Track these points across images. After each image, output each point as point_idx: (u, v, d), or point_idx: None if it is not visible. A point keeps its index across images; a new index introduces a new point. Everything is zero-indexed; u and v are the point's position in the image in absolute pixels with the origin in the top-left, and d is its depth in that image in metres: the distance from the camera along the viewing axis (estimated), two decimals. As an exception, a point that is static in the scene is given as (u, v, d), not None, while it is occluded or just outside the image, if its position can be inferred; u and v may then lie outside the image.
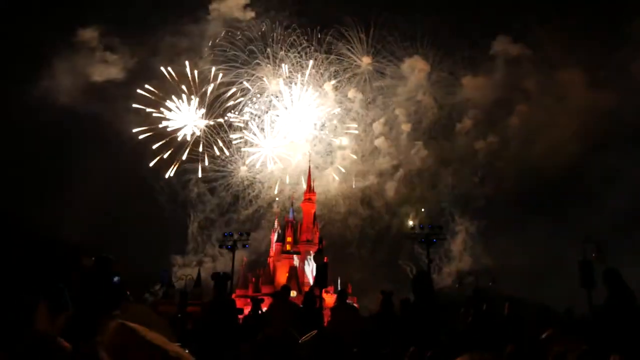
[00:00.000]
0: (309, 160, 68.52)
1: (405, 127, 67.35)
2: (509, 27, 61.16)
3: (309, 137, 68.92)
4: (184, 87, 63.26)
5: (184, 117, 64.15)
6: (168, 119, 63.03)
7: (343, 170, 68.26)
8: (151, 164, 62.55)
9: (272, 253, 68.30)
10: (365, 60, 65.99)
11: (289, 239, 68.48)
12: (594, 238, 20.13)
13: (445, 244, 61.44)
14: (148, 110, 62.19)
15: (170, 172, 64.08)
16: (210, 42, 64.46)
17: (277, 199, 70.14)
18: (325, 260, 16.85)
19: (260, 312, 11.57)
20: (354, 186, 68.47)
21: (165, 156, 63.23)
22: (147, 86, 62.42)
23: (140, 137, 61.62)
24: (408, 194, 65.97)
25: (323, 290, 16.94)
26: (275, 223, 69.66)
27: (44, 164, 56.14)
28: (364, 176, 68.47)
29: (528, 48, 61.19)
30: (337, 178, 68.78)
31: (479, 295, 10.38)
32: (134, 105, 61.66)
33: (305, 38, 65.18)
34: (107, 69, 63.61)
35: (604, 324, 6.57)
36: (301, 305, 8.85)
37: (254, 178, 68.04)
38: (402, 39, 63.83)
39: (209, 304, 8.47)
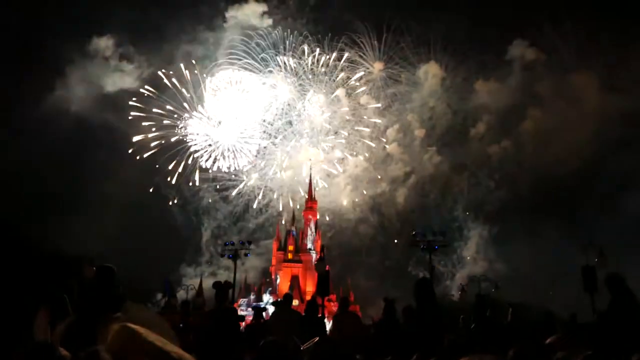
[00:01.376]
0: (310, 169, 68.52)
1: (419, 133, 67.08)
2: (522, 32, 61.22)
3: (321, 144, 68.74)
4: (192, 96, 63.30)
5: (197, 127, 64.19)
6: (176, 126, 63.10)
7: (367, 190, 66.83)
8: (151, 190, 62.52)
9: (274, 262, 68.17)
10: (377, 66, 65.96)
11: (290, 248, 68.34)
12: (597, 243, 20.07)
13: (458, 250, 61.38)
14: (149, 119, 62.34)
15: (174, 200, 64.15)
16: (226, 50, 64.46)
17: (282, 208, 69.96)
18: (327, 269, 16.79)
19: (262, 320, 11.53)
20: (365, 193, 67.87)
21: (170, 177, 63.22)
22: (144, 88, 62.35)
23: (143, 156, 61.59)
24: (420, 200, 65.50)
25: (325, 299, 16.87)
26: (277, 232, 69.63)
27: (55, 173, 56.23)
28: (376, 183, 68.04)
29: (542, 52, 61.24)
30: (348, 185, 68.32)
31: (482, 301, 10.35)
32: (146, 114, 61.76)
33: (319, 45, 65.25)
34: (122, 78, 63.67)
35: (607, 329, 6.54)
36: (303, 314, 8.82)
37: (265, 186, 67.90)
38: (415, 44, 63.96)
39: (210, 313, 8.44)
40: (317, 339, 4.29)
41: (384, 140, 67.96)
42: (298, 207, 70.25)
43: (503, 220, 60.95)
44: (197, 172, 64.16)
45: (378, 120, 67.27)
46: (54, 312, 2.96)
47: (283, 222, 70.16)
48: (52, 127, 56.51)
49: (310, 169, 68.60)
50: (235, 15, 65.79)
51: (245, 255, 37.17)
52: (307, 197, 69.12)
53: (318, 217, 68.96)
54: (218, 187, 66.52)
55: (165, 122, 62.61)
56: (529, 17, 61.10)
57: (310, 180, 68.62)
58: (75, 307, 5.65)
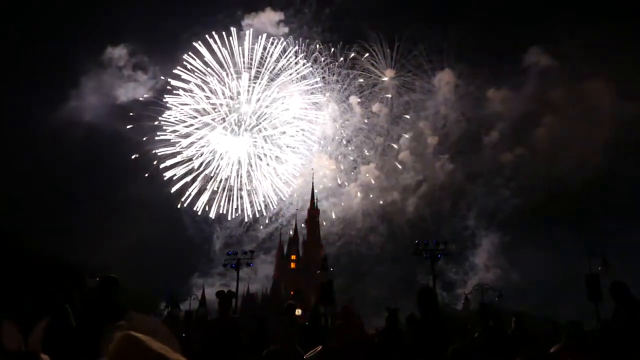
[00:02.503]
0: (312, 177, 68.45)
1: (432, 141, 66.43)
2: (537, 39, 60.73)
3: (333, 153, 68.35)
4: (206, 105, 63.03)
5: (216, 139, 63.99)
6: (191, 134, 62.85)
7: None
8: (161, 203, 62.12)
9: (276, 271, 68.13)
10: (389, 74, 65.67)
11: (293, 257, 68.31)
12: (609, 251, 19.96)
13: (471, 258, 60.91)
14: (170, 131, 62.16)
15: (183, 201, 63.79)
16: (242, 58, 64.22)
17: (289, 217, 69.64)
18: (329, 278, 16.78)
19: (264, 330, 11.50)
20: (375, 201, 67.06)
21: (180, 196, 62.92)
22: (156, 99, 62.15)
23: (145, 175, 61.32)
24: (432, 208, 64.78)
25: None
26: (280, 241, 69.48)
27: (68, 183, 56.31)
28: (387, 192, 67.29)
29: (556, 59, 60.93)
30: (359, 194, 67.66)
31: (486, 310, 10.31)
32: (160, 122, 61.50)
33: (332, 54, 65.01)
34: (136, 88, 63.18)
35: (611, 338, 6.50)
36: (306, 322, 8.80)
37: (277, 195, 67.58)
38: (428, 52, 63.69)
39: (213, 323, 8.45)
40: (320, 347, 4.28)
41: (396, 147, 67.49)
42: (305, 217, 70.15)
43: (516, 228, 60.63)
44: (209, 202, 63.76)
45: (406, 136, 66.51)
46: (21, 320, 2.96)
47: (291, 231, 69.96)
48: (64, 137, 56.66)
49: (313, 178, 68.52)
50: (252, 23, 65.81)
51: (248, 264, 37.01)
52: (309, 206, 69.14)
53: (324, 225, 68.51)
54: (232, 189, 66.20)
55: (175, 134, 62.37)
56: (543, 25, 61.10)
57: (313, 190, 68.61)
58: (77, 317, 5.66)
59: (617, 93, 56.39)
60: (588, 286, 17.58)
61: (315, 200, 68.78)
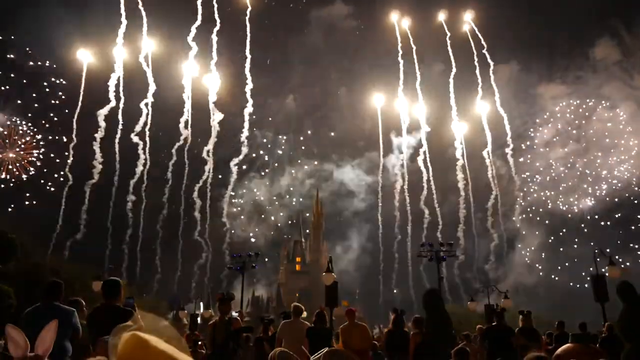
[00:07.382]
0: (317, 177, 68.48)
1: (482, 139, 64.80)
2: (595, 35, 60.65)
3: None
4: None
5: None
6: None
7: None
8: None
9: (282, 274, 68.07)
10: (438, 69, 64.63)
11: (298, 259, 68.25)
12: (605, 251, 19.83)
13: (511, 257, 60.20)
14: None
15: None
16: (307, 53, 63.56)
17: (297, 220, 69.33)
18: (334, 280, 16.75)
19: (270, 332, 11.51)
20: (415, 201, 65.84)
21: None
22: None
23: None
24: (476, 207, 63.00)
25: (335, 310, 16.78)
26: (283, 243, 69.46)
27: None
28: (429, 192, 65.51)
29: (615, 55, 60.77)
30: (406, 194, 66.51)
31: (491, 310, 10.27)
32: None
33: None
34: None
35: (618, 338, 6.47)
36: (312, 325, 8.80)
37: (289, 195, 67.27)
38: (480, 48, 62.97)
39: (213, 324, 8.55)
40: (326, 350, 4.27)
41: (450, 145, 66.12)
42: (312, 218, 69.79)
43: (560, 228, 59.78)
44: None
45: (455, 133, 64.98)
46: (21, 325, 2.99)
47: (307, 232, 69.64)
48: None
49: (317, 178, 68.58)
50: (320, 15, 64.65)
51: (253, 267, 36.93)
52: (315, 208, 69.10)
53: (360, 227, 67.57)
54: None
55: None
56: (602, 19, 60.53)
57: (317, 191, 68.60)
58: (85, 319, 5.69)
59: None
60: (594, 287, 17.52)
61: (319, 202, 68.74)
